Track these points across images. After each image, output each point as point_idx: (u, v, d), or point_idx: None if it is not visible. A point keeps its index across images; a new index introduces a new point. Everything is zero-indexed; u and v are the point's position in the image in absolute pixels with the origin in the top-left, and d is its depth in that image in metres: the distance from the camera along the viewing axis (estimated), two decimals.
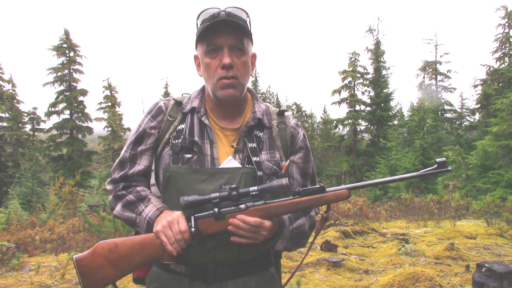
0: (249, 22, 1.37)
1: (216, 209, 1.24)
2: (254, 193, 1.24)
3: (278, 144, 1.40)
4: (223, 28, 1.30)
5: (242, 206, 1.25)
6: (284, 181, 1.23)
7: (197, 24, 1.36)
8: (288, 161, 1.38)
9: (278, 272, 1.47)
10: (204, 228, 1.25)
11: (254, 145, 1.36)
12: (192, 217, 1.25)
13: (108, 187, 1.44)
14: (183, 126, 1.40)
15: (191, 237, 1.24)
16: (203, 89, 1.46)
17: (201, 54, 1.36)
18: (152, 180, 1.43)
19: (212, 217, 1.25)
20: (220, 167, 1.32)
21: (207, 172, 1.31)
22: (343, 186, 1.30)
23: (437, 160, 1.26)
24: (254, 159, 1.33)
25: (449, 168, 1.26)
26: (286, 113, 1.48)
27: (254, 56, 1.44)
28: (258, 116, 1.40)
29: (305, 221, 1.39)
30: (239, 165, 1.33)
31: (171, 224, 1.23)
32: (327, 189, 1.30)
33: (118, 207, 1.39)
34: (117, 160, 1.45)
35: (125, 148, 1.44)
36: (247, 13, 1.36)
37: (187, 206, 1.23)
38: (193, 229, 1.23)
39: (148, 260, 1.28)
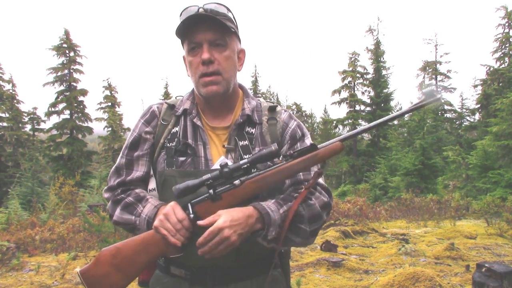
0: (233, 17, 1.36)
1: (211, 191, 1.21)
2: (245, 166, 1.21)
3: (267, 140, 1.37)
4: (201, 25, 1.28)
5: (237, 182, 1.21)
6: (273, 146, 1.20)
7: None
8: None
9: (285, 274, 1.43)
10: (203, 213, 1.21)
11: (246, 142, 1.34)
12: (189, 204, 1.22)
13: (106, 195, 1.41)
14: (177, 129, 1.38)
15: (191, 224, 1.20)
16: (194, 91, 1.45)
17: (185, 53, 1.36)
18: (153, 185, 1.40)
19: (209, 200, 1.22)
20: (213, 168, 1.31)
21: (200, 174, 1.28)
22: (334, 139, 1.28)
23: (424, 90, 1.23)
24: (245, 157, 1.30)
25: (438, 96, 1.21)
26: (277, 109, 1.44)
27: (242, 52, 1.42)
28: (247, 113, 1.38)
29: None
30: None
31: (168, 215, 1.19)
32: (319, 146, 1.26)
33: (117, 211, 1.35)
34: (113, 167, 1.42)
35: (120, 154, 1.42)
36: (228, 8, 1.34)
37: (180, 194, 1.19)
38: (191, 215, 1.20)
39: (153, 258, 1.24)
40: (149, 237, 1.22)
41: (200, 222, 1.17)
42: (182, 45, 1.37)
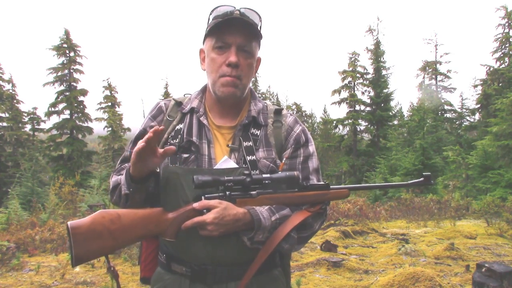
0: (260, 26, 1.38)
1: (228, 192, 1.24)
2: (266, 181, 1.25)
3: (272, 142, 1.40)
4: (235, 27, 1.31)
5: (254, 193, 1.26)
6: (296, 172, 1.27)
7: (208, 19, 1.38)
8: (284, 159, 1.37)
9: (285, 273, 1.44)
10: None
11: (250, 143, 1.36)
12: (203, 197, 1.24)
13: (110, 180, 1.43)
14: (181, 126, 1.40)
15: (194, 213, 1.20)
16: (203, 90, 1.47)
17: (208, 48, 1.37)
18: None
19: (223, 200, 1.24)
20: (215, 167, 1.32)
21: (203, 172, 1.29)
22: (344, 186, 1.36)
23: (424, 174, 1.38)
24: (248, 158, 1.33)
25: (432, 182, 1.40)
26: (283, 112, 1.47)
27: (258, 60, 1.45)
28: (252, 114, 1.40)
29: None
30: (235, 165, 1.32)
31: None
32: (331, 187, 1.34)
33: (112, 179, 1.38)
34: (119, 161, 1.47)
35: (126, 148, 1.46)
36: (260, 17, 1.37)
37: (200, 186, 1.20)
38: (205, 211, 1.21)
39: (149, 236, 1.23)
40: (152, 214, 1.22)
41: (195, 205, 1.21)
42: (205, 39, 1.39)
